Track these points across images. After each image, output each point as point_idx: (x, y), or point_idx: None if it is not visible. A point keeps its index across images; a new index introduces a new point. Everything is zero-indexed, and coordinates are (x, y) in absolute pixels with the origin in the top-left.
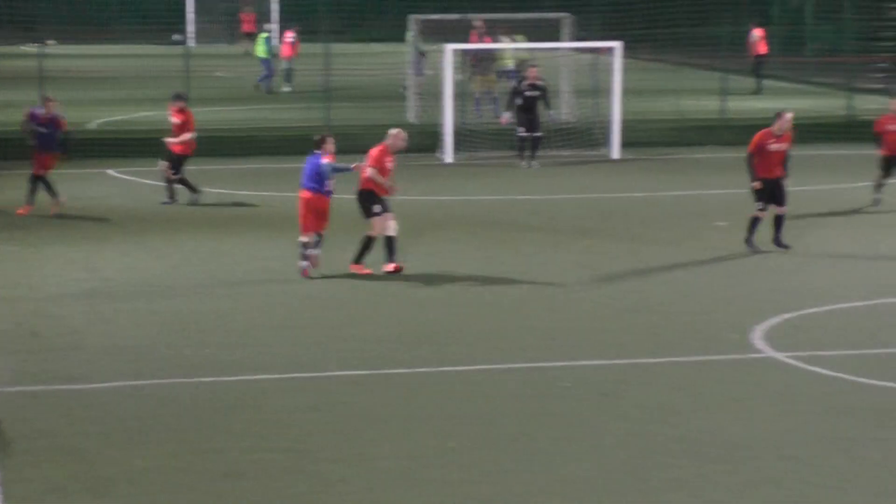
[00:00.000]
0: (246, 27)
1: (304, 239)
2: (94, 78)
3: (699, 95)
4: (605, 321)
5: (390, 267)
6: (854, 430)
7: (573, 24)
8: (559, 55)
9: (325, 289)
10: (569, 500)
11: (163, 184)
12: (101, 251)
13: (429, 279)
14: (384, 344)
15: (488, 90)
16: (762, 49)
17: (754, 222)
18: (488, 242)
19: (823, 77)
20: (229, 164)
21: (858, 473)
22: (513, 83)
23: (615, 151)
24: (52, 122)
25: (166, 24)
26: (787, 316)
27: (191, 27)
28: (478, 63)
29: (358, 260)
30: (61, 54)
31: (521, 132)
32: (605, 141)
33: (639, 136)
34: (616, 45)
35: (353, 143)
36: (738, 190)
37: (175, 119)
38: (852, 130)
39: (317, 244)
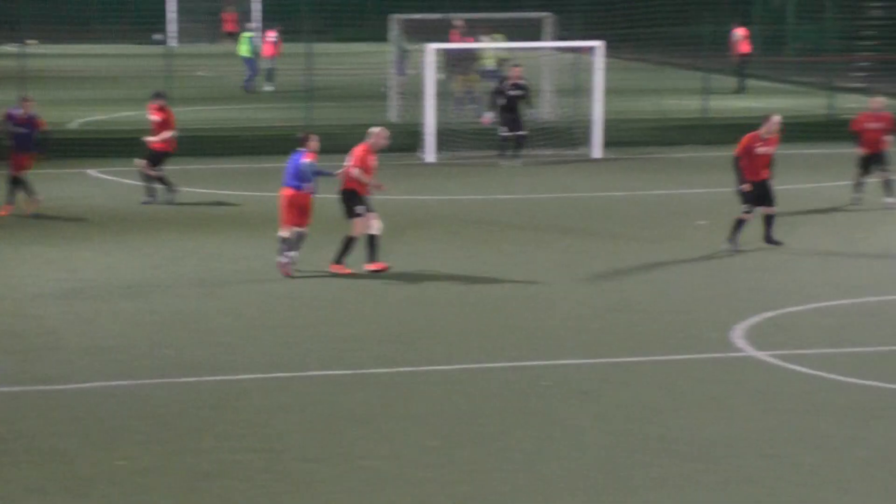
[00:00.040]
0: (228, 27)
1: (283, 234)
2: (76, 78)
3: (681, 95)
4: (585, 320)
5: (374, 266)
6: (834, 428)
7: (555, 23)
8: (541, 55)
9: (305, 288)
10: (549, 499)
11: (142, 183)
12: (80, 251)
13: (410, 278)
14: (365, 343)
15: (469, 90)
16: (745, 48)
17: (739, 224)
18: (470, 242)
19: (805, 76)
20: (211, 164)
21: (838, 472)
22: (494, 83)
23: (597, 151)
24: (30, 123)
25: (148, 23)
26: (767, 314)
27: (173, 27)
28: (459, 63)
29: (338, 260)
30: (42, 54)
31: (504, 132)
32: (586, 140)
33: (620, 136)
34: (598, 44)
35: (334, 143)
36: (720, 189)
37: (154, 117)
38: (833, 129)
39: (297, 244)
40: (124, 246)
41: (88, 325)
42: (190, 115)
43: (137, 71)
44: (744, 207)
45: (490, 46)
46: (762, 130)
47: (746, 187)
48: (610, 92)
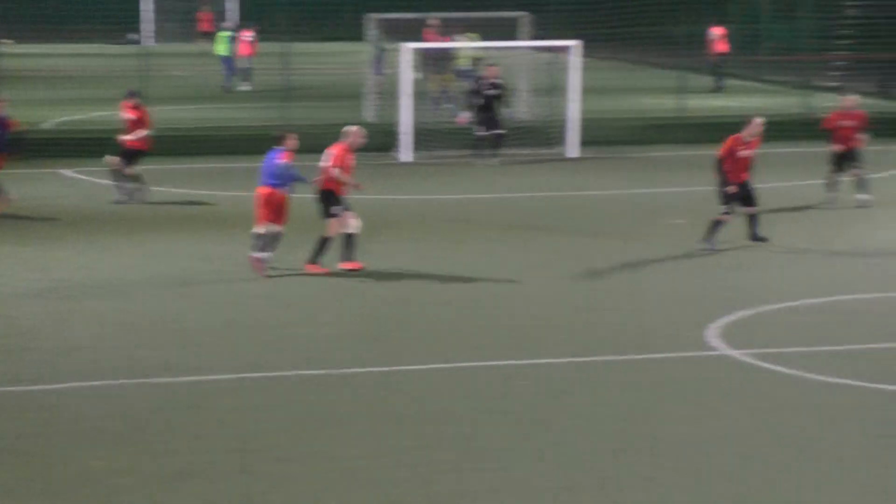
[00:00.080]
0: (204, 26)
1: (258, 231)
2: (50, 77)
3: (657, 94)
4: (561, 319)
5: (349, 265)
6: (809, 427)
7: (531, 22)
8: (517, 54)
9: (280, 288)
10: (522, 499)
11: (114, 182)
12: (54, 251)
13: (385, 278)
14: (340, 343)
15: (445, 89)
16: (721, 47)
17: (717, 224)
18: (445, 241)
19: (780, 75)
20: (187, 164)
21: (813, 470)
22: (470, 82)
23: (573, 150)
24: (1, 123)
25: (123, 23)
26: (743, 313)
27: (148, 26)
28: (435, 62)
29: (314, 260)
30: (18, 53)
31: (481, 131)
32: (563, 139)
33: (597, 135)
34: (574, 43)
35: (311, 142)
36: (697, 188)
37: (129, 115)
38: (809, 128)
39: (272, 244)
40: (98, 246)
41: (62, 326)
42: (165, 115)
43: (112, 70)
44: (724, 208)
45: (466, 46)
46: (745, 133)
47: (732, 189)
48: (587, 91)
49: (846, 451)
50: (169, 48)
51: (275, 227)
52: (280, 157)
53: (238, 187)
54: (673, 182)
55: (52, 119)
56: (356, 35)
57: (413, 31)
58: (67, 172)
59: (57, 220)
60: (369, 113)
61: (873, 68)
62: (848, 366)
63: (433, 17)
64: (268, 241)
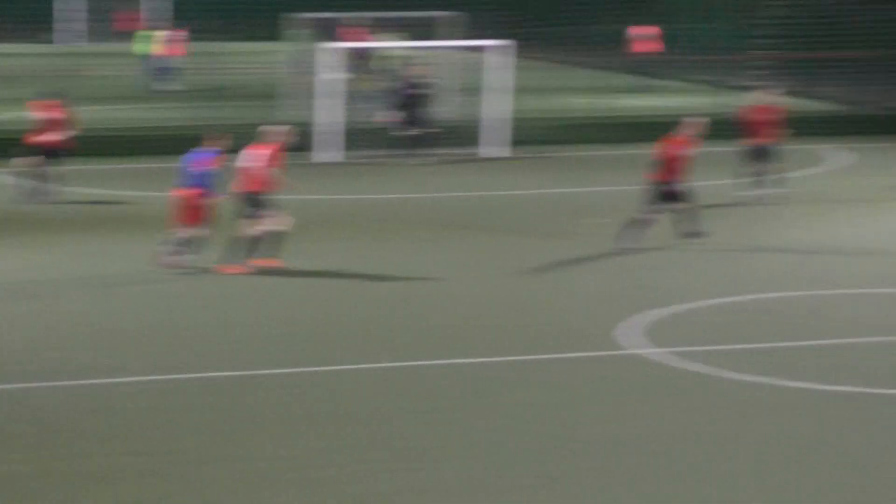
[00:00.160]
0: (123, 25)
1: (175, 233)
2: None
3: (585, 93)
4: (485, 319)
5: (269, 262)
6: (723, 424)
7: (462, 22)
8: (446, 53)
9: (198, 289)
10: (441, 498)
11: (28, 183)
12: None
13: (308, 278)
14: (259, 344)
15: (372, 89)
16: (648, 47)
17: (642, 223)
18: (370, 241)
19: (702, 75)
20: (107, 164)
21: (727, 467)
22: (399, 82)
23: (503, 149)
24: None
25: (41, 22)
26: (660, 312)
27: (68, 25)
28: (361, 61)
29: (255, 256)
30: None
31: (409, 131)
32: (492, 139)
33: (526, 134)
34: (504, 43)
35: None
36: (623, 187)
37: (45, 115)
38: (728, 128)
39: (193, 247)
40: (11, 247)
41: None
42: (87, 115)
43: (33, 70)
44: (651, 207)
45: (394, 45)
46: (682, 134)
47: (666, 188)
48: (516, 91)
49: (761, 449)
50: (90, 48)
51: (196, 230)
52: (208, 159)
53: (159, 187)
54: (599, 181)
55: None
56: (276, 35)
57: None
58: None
59: None
60: (293, 112)
61: (793, 67)
62: (762, 364)
63: (361, 17)
64: (188, 244)
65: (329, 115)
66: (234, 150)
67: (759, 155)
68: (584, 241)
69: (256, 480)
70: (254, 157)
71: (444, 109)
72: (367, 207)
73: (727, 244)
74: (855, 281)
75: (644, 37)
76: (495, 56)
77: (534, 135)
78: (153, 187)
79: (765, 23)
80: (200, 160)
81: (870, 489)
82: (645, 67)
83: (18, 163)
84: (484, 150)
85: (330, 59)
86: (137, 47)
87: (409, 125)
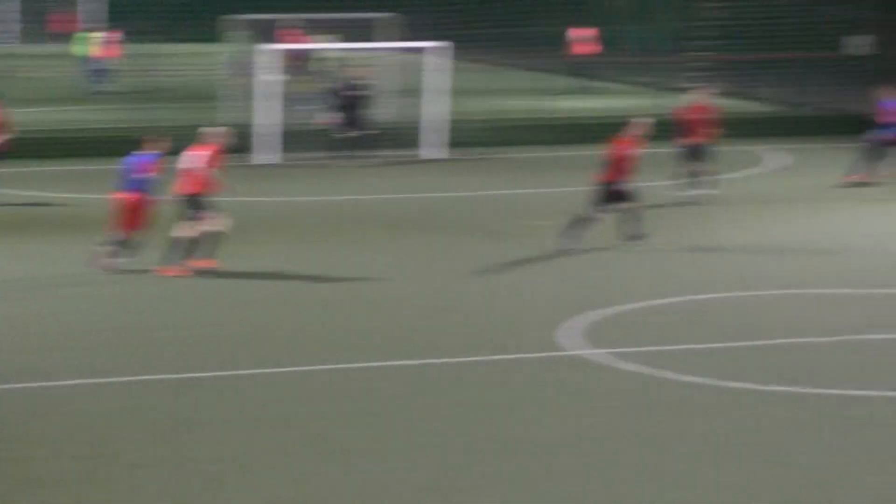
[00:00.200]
0: (60, 27)
1: (113, 235)
2: None
3: (523, 95)
4: (421, 320)
5: (205, 263)
6: (661, 425)
7: (399, 24)
8: (384, 55)
9: (135, 291)
10: (378, 499)
11: None
12: None
13: (249, 280)
14: (197, 346)
15: (310, 90)
16: (586, 49)
17: (583, 222)
18: (310, 243)
19: (639, 76)
20: (43, 166)
21: (665, 467)
22: (334, 84)
23: (440, 151)
24: None
25: None
26: (600, 313)
27: (4, 26)
28: (298, 63)
29: (193, 258)
30: None
31: (347, 132)
32: (430, 141)
33: (464, 136)
34: (441, 45)
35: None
36: (561, 189)
37: None
38: (668, 129)
39: (129, 250)
40: None
41: None
42: (22, 117)
43: None
44: (595, 207)
45: (333, 47)
46: (630, 134)
47: (613, 188)
48: (454, 92)
49: (699, 449)
50: (24, 49)
51: (134, 234)
52: (148, 162)
53: (95, 189)
54: (538, 183)
55: None
56: (213, 36)
57: (279, 33)
58: None
59: None
60: (232, 114)
61: (731, 69)
62: (701, 364)
63: (298, 19)
64: (125, 247)
65: (268, 116)
66: (174, 153)
67: (694, 155)
68: (525, 242)
69: (195, 483)
70: (193, 159)
71: (382, 111)
72: (306, 209)
73: (667, 245)
74: (794, 281)
75: (583, 39)
76: (433, 58)
77: (473, 136)
78: (90, 189)
79: (703, 24)
80: (140, 163)
81: (807, 489)
82: (584, 69)
83: None
84: (423, 152)
85: (268, 61)
86: (76, 49)
87: (349, 127)
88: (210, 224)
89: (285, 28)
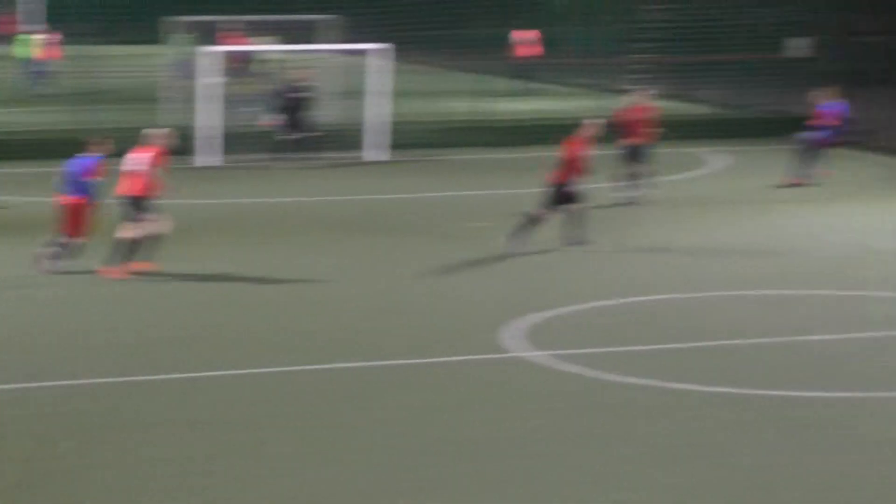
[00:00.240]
0: (2, 28)
1: (55, 238)
2: None
3: (465, 97)
4: (364, 322)
5: (143, 266)
6: (604, 426)
7: (340, 26)
8: (325, 57)
9: (76, 294)
10: (318, 503)
11: None
12: None
13: (192, 282)
14: (138, 349)
15: (251, 92)
16: (530, 51)
17: (532, 222)
18: (253, 245)
19: (581, 78)
20: None
21: (608, 469)
22: (277, 85)
23: (382, 153)
24: None
25: None
26: (543, 315)
27: None
28: (240, 65)
29: (126, 261)
30: None
31: (290, 134)
32: (372, 143)
33: (406, 138)
34: (382, 46)
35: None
36: (503, 191)
37: None
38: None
39: (70, 253)
40: None
41: None
42: None
43: None
44: (545, 209)
45: (275, 49)
46: (583, 135)
47: (563, 189)
48: (396, 94)
49: (643, 450)
50: None
51: (77, 237)
52: (90, 165)
53: (37, 192)
54: (479, 185)
55: None
56: (155, 38)
57: (220, 34)
58: None
59: None
60: (173, 116)
61: (673, 71)
62: (644, 366)
63: (237, 21)
64: (67, 250)
65: (210, 118)
66: (116, 155)
67: (634, 156)
68: (468, 243)
69: (136, 486)
70: (136, 161)
71: (325, 113)
72: (249, 211)
73: (610, 247)
74: (737, 283)
75: (526, 41)
76: (375, 60)
77: (415, 138)
78: (31, 192)
79: (645, 26)
80: (83, 166)
81: (750, 490)
82: (526, 71)
83: None
84: (365, 154)
85: (210, 63)
86: (16, 50)
87: (292, 129)
88: (151, 226)
89: (226, 30)
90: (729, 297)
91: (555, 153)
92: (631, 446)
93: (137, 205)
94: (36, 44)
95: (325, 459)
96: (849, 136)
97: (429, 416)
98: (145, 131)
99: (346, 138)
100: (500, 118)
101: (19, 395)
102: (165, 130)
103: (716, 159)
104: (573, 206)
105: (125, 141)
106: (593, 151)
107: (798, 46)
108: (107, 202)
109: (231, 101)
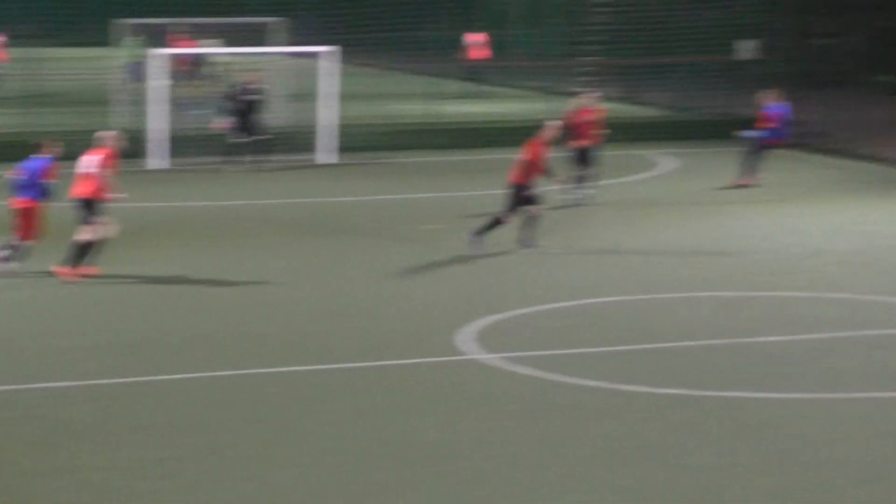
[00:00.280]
0: None
1: (6, 240)
2: None
3: (413, 100)
4: (316, 325)
5: (87, 270)
6: (557, 428)
7: (288, 28)
8: (274, 60)
9: (24, 297)
10: None
11: None
12: None
13: (140, 286)
14: (89, 353)
15: (200, 95)
16: (478, 54)
17: (496, 223)
18: (199, 248)
19: (530, 81)
20: None
21: (561, 471)
22: (228, 88)
23: (331, 156)
24: None
25: None
26: (495, 317)
27: None
28: (190, 68)
29: (78, 263)
30: None
31: (239, 137)
32: (320, 145)
33: (354, 141)
34: (330, 49)
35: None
36: (452, 193)
37: None
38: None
39: (18, 254)
40: None
41: None
42: None
43: None
44: (509, 210)
45: (224, 52)
46: (544, 137)
47: (522, 192)
48: (343, 97)
49: (592, 451)
50: None
51: (27, 239)
52: (42, 168)
53: None
54: (430, 187)
55: None
56: (104, 41)
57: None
58: None
59: None
60: (123, 119)
61: (622, 73)
62: (595, 368)
63: (185, 23)
64: (16, 252)
65: (161, 121)
66: (67, 158)
67: (581, 159)
68: (418, 246)
69: (87, 491)
70: (88, 163)
71: (274, 116)
72: (200, 214)
73: (561, 249)
74: (685, 284)
75: (475, 43)
76: (323, 62)
77: (365, 141)
78: None
79: (594, 28)
80: (34, 169)
81: (699, 491)
82: (476, 73)
83: None
84: (314, 157)
85: (160, 66)
86: None
87: (242, 132)
88: (99, 230)
89: (174, 32)
90: (678, 298)
91: (505, 155)
92: (582, 448)
93: (89, 207)
94: None
95: (280, 462)
96: (799, 139)
97: (382, 418)
98: (98, 134)
99: (296, 141)
100: (451, 121)
101: None
102: (114, 133)
103: (665, 161)
104: (532, 209)
105: (74, 144)
106: (507, 155)
107: (747, 49)
108: (60, 204)
109: (181, 104)
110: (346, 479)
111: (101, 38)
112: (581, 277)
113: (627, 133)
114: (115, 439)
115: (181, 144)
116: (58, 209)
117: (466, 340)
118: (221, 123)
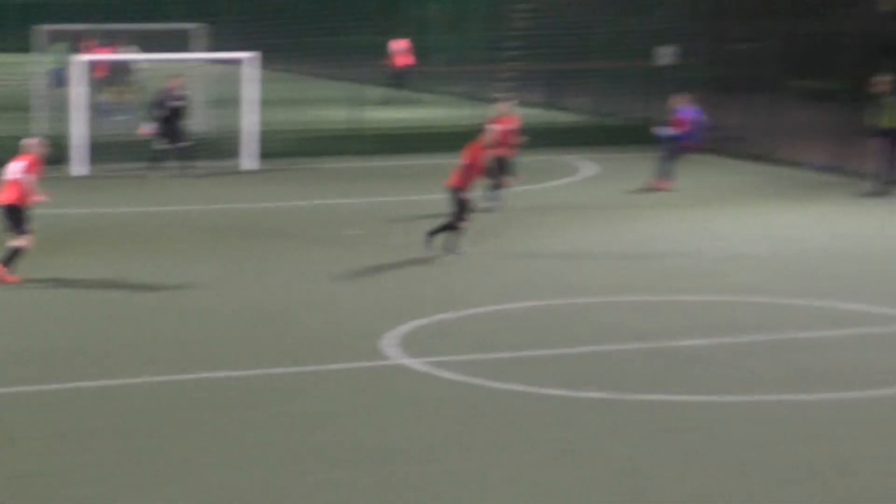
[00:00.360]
0: None
1: None
2: None
3: (333, 105)
4: (239, 331)
5: (10, 279)
6: (483, 432)
7: (206, 34)
8: (194, 66)
9: None
10: None
11: None
12: None
13: (63, 292)
14: (9, 361)
15: (120, 101)
16: (403, 61)
17: (445, 229)
18: (121, 255)
19: (452, 86)
20: None
21: (488, 475)
22: (152, 95)
23: (252, 162)
24: None
25: None
26: (420, 322)
27: None
28: (113, 74)
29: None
30: None
31: (164, 143)
32: (241, 151)
33: (275, 147)
34: (250, 55)
35: None
36: (373, 199)
37: None
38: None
39: None
40: None
41: None
42: None
43: None
44: (466, 214)
45: (146, 58)
46: (486, 140)
47: (460, 195)
48: (264, 103)
49: (518, 455)
50: None
51: None
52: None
53: None
54: (353, 193)
55: None
56: (25, 46)
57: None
58: None
59: None
60: (42, 126)
61: (543, 78)
62: (518, 372)
63: (107, 29)
64: None
65: (84, 127)
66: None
67: (499, 165)
68: (342, 251)
69: (16, 500)
70: (13, 170)
71: (196, 122)
72: (123, 220)
73: (483, 254)
74: (606, 289)
75: (399, 50)
76: (243, 68)
77: (286, 147)
78: None
79: (514, 34)
80: None
81: (620, 494)
82: (399, 80)
83: None
84: (235, 163)
85: (82, 72)
86: None
87: (165, 138)
88: (18, 238)
89: (93, 39)
90: (599, 303)
91: (428, 161)
92: (503, 452)
93: (14, 214)
94: None
95: (207, 467)
96: (716, 143)
97: (310, 423)
98: (24, 140)
99: (219, 147)
100: (372, 126)
101: None
102: (37, 139)
103: (585, 166)
104: (463, 214)
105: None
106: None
107: (666, 54)
108: None
109: (103, 110)
110: (273, 483)
111: (22, 45)
112: (503, 282)
113: (549, 138)
114: (36, 446)
115: (105, 151)
116: None
117: (391, 345)
118: (148, 129)
